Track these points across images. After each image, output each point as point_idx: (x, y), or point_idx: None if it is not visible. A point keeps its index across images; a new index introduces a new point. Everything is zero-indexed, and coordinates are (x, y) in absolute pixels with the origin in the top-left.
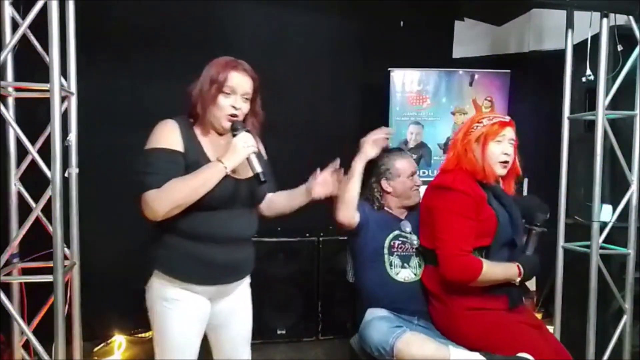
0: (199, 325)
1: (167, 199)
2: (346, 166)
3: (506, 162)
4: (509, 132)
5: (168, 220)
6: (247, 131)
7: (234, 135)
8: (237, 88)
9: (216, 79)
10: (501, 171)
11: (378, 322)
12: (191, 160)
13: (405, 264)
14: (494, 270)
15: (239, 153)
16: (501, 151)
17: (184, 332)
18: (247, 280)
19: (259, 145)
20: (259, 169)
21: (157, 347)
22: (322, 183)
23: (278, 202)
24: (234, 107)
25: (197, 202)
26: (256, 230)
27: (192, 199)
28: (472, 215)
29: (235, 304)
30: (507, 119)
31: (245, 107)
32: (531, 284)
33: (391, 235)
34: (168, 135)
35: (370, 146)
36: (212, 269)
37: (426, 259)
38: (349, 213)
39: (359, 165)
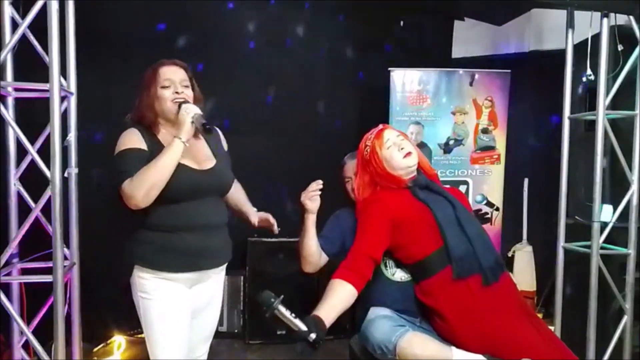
0: (182, 313)
1: (140, 182)
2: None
3: (408, 152)
4: (390, 133)
5: (141, 216)
6: (186, 102)
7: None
8: (172, 78)
9: (152, 79)
10: (410, 161)
11: (381, 321)
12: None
13: (400, 264)
14: (328, 293)
15: (184, 121)
16: (396, 148)
17: (167, 320)
18: (223, 272)
19: (221, 138)
20: (202, 120)
21: (147, 341)
22: (260, 220)
23: (231, 196)
24: (176, 92)
25: (164, 196)
26: (227, 218)
27: (163, 177)
28: (384, 223)
29: (211, 296)
30: (381, 126)
31: (187, 92)
32: (531, 284)
33: None
34: (132, 139)
35: (309, 201)
36: (187, 257)
37: None
38: (311, 266)
39: (308, 221)
